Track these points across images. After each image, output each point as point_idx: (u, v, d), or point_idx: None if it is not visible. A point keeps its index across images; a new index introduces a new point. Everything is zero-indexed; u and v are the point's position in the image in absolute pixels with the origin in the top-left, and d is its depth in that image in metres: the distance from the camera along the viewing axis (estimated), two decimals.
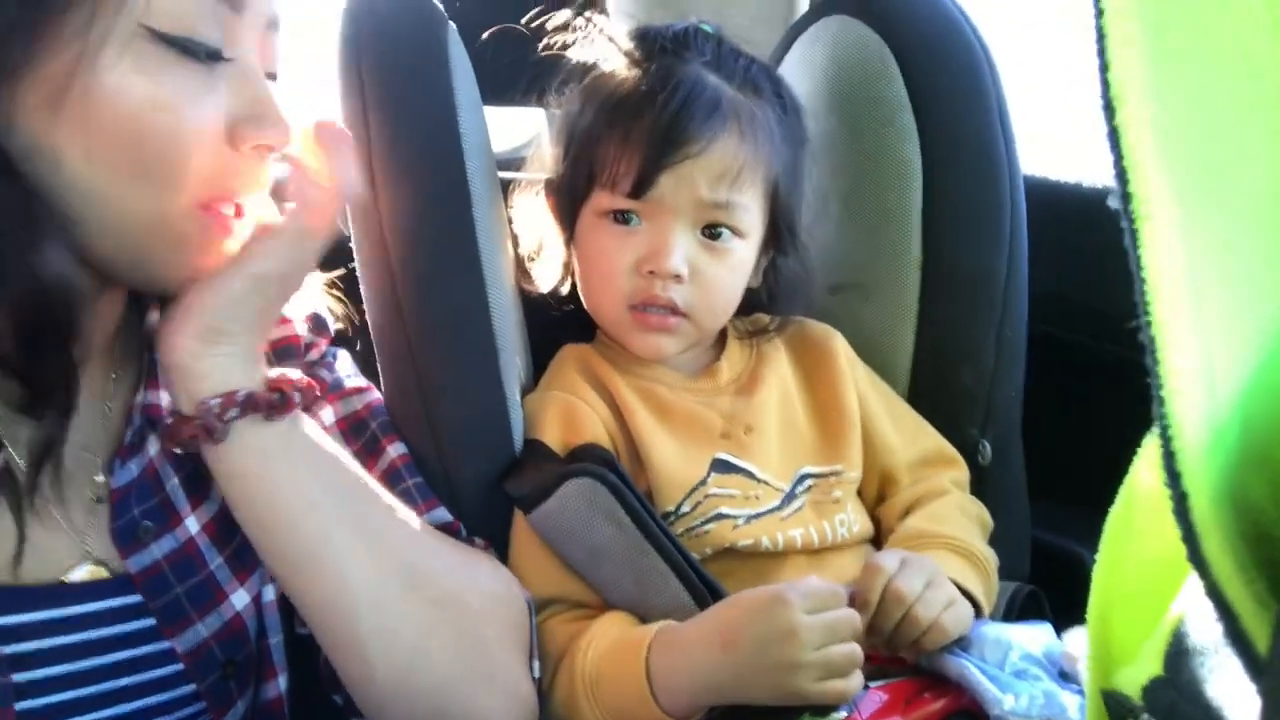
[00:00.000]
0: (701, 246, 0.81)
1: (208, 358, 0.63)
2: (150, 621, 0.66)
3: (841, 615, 0.69)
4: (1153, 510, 0.35)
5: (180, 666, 0.67)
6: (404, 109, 0.82)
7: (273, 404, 0.64)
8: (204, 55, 0.59)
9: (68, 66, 0.55)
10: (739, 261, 0.84)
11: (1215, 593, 0.27)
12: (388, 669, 0.66)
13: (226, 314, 0.63)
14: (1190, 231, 0.26)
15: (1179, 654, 0.33)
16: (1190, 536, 0.26)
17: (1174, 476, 0.26)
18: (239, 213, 0.65)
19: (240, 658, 0.71)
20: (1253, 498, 0.27)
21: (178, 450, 0.66)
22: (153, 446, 0.68)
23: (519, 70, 0.87)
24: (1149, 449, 0.36)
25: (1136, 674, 0.34)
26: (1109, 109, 0.26)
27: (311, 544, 0.65)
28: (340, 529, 0.66)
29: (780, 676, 0.67)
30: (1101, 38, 0.26)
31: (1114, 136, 0.26)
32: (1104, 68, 0.26)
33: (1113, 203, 0.26)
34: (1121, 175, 0.26)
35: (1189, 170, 0.26)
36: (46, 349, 0.59)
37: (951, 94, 0.93)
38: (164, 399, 0.68)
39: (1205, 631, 0.32)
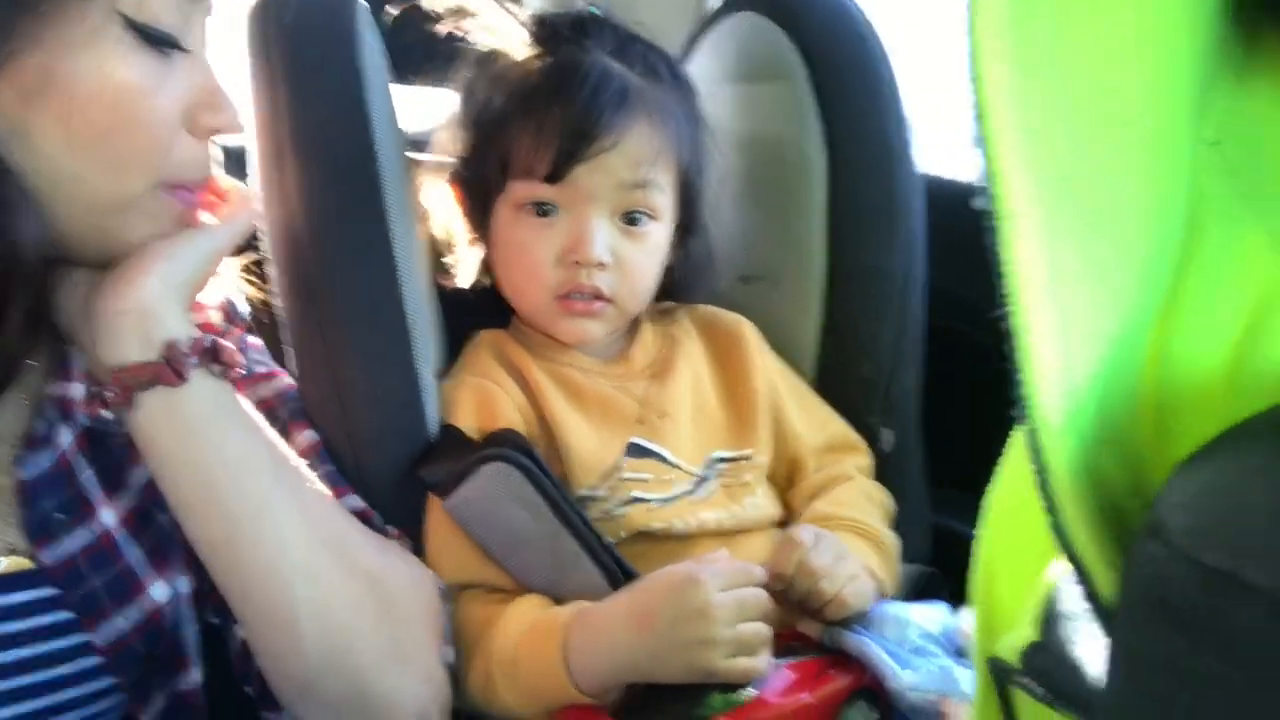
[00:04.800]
0: (621, 233, 0.83)
1: (170, 303, 0.64)
2: (69, 614, 0.65)
3: (751, 593, 0.71)
4: (1026, 487, 0.37)
5: (100, 659, 0.66)
6: (314, 89, 0.81)
7: (228, 358, 0.65)
8: (166, 43, 0.60)
9: (51, 58, 0.56)
10: (656, 244, 0.86)
11: (1073, 557, 0.29)
12: (318, 644, 0.66)
13: (193, 269, 0.66)
14: (1051, 231, 0.28)
15: (1051, 619, 0.35)
16: (1051, 507, 0.29)
17: (1035, 452, 0.29)
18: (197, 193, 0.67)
19: (160, 650, 0.70)
20: (1105, 472, 0.30)
21: (106, 414, 0.64)
22: (64, 438, 0.67)
23: (430, 49, 0.87)
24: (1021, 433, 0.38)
25: (1015, 640, 0.37)
26: (978, 116, 0.28)
27: (254, 505, 0.65)
28: (279, 492, 0.66)
29: (692, 653, 0.69)
30: (973, 50, 0.28)
31: (982, 142, 0.28)
32: (975, 78, 0.28)
33: (979, 203, 0.28)
34: (988, 177, 0.28)
35: (1051, 176, 0.28)
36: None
37: (854, 93, 0.95)
38: (75, 391, 0.67)
39: (1073, 597, 0.35)
